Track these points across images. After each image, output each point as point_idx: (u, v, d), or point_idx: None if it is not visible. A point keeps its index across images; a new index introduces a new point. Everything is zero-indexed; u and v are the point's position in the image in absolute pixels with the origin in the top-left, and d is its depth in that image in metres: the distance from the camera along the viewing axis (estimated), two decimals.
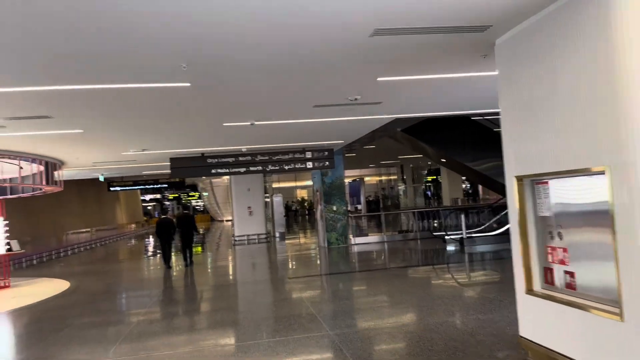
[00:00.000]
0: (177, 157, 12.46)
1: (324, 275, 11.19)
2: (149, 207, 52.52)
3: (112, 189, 27.89)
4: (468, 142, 14.59)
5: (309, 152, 13.05)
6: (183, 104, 6.87)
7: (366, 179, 38.24)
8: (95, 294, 10.29)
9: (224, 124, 8.76)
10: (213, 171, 12.52)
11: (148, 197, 51.48)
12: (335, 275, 11.11)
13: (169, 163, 12.57)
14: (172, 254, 14.45)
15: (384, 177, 42.48)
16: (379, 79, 6.13)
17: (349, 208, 22.34)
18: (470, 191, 41.13)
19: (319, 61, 5.29)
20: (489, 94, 7.13)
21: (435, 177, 42.85)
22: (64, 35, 4.04)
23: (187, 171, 12.74)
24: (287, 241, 19.83)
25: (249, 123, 8.63)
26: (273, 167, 13.03)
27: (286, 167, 13.12)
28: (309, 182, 41.17)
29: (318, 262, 13.62)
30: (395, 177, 40.94)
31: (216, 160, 12.49)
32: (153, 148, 11.58)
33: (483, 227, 15.18)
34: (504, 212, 15.61)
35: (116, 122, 8.01)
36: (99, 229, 26.95)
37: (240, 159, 12.67)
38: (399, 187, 40.68)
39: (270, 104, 7.39)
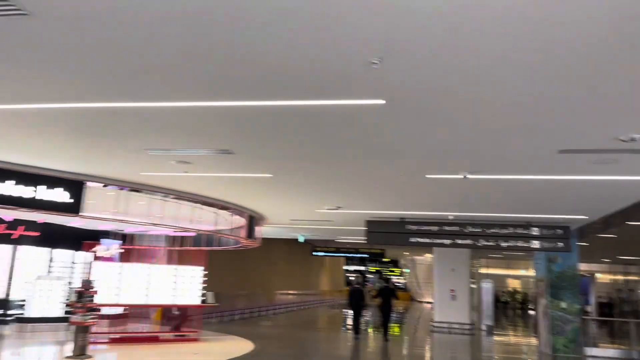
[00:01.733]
0: (374, 220, 11.11)
1: None
2: (351, 277, 52.80)
3: (314, 253, 28.20)
4: None
5: (536, 228, 10.34)
6: (377, 135, 5.37)
7: (596, 275, 31.98)
8: None
9: (427, 176, 7.01)
10: (412, 240, 10.76)
11: (351, 267, 52.02)
12: None
13: (365, 228, 11.32)
14: (362, 325, 13.66)
15: (620, 276, 35.06)
16: None
17: None
18: None
19: (581, 60, 3.27)
20: None
21: None
22: (227, 33, 3.13)
23: (384, 237, 11.22)
24: (495, 337, 16.44)
25: (460, 176, 6.72)
26: (486, 243, 10.66)
27: (503, 244, 10.60)
28: (524, 272, 36.05)
29: None
30: (636, 277, 33.44)
31: (417, 227, 10.75)
32: (348, 207, 10.41)
33: None
34: None
35: (305, 166, 6.97)
36: (303, 292, 27.13)
37: (446, 228, 10.67)
38: None
39: (492, 145, 5.43)
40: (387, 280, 21.10)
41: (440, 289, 17.62)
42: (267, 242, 21.78)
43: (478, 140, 5.30)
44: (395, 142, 5.56)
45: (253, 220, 12.28)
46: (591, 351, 12.23)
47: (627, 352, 12.40)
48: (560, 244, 10.28)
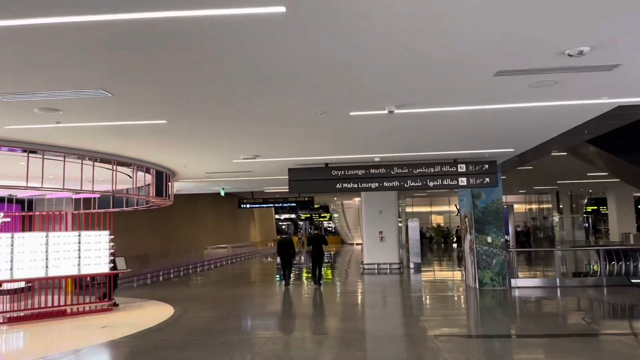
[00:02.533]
0: (297, 168, 10.28)
1: (488, 338, 7.85)
2: (283, 227, 52.77)
3: (242, 206, 27.32)
4: None
5: (463, 165, 10.00)
6: (284, 60, 4.38)
7: (514, 206, 33.88)
8: (193, 331, 8.26)
9: (352, 113, 6.18)
10: (338, 186, 10.10)
11: (283, 216, 51.90)
12: (507, 339, 7.73)
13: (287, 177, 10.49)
14: (293, 274, 13.73)
15: (534, 205, 37.30)
16: None
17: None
18: None
19: None
20: None
21: (597, 207, 37.01)
22: None
23: (309, 185, 10.46)
24: (423, 275, 16.60)
25: (385, 111, 5.94)
26: (413, 183, 10.22)
27: (431, 184, 10.21)
28: (446, 208, 37.30)
29: (472, 311, 10.31)
30: (549, 205, 35.70)
31: (342, 172, 10.06)
32: (267, 155, 9.46)
33: None
34: None
35: (203, 107, 5.87)
36: (234, 245, 26.61)
37: (372, 171, 10.08)
38: (554, 218, 35.36)
39: (420, 70, 4.64)
40: (318, 227, 20.88)
41: (368, 232, 17.46)
42: (191, 198, 20.56)
43: (404, 64, 4.47)
44: (307, 70, 4.59)
45: (162, 176, 11.03)
46: (516, 282, 12.49)
47: (552, 280, 12.78)
48: (487, 180, 10.05)
